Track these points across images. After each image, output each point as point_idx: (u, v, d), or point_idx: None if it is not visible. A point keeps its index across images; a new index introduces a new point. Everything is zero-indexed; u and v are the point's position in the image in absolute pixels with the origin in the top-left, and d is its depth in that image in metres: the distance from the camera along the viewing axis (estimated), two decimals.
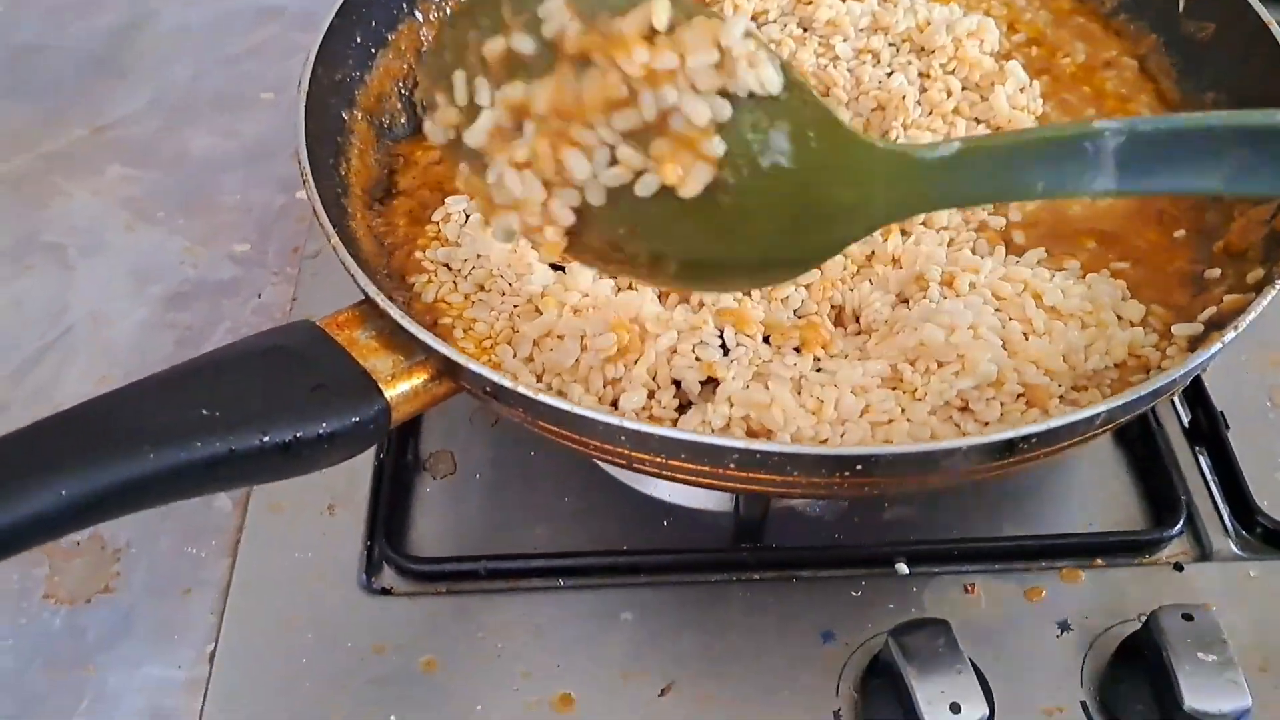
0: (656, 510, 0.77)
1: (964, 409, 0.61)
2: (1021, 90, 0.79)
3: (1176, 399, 0.83)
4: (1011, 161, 0.49)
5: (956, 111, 0.78)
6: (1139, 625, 0.68)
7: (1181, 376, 0.58)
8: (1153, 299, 0.68)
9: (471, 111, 0.47)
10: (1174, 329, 0.64)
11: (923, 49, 0.81)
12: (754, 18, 0.86)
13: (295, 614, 0.72)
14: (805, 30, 0.85)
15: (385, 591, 0.74)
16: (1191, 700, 0.61)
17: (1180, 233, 0.73)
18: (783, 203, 0.48)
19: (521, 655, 0.70)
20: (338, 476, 0.77)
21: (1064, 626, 0.70)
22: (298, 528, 0.76)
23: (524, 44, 0.45)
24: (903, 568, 0.73)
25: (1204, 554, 0.75)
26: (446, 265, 0.71)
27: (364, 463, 0.79)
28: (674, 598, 0.73)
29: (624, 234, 0.48)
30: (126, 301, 0.93)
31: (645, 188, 0.46)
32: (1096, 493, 0.79)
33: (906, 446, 0.56)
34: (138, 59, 1.17)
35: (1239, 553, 0.75)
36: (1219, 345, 0.58)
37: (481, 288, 0.70)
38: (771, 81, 0.45)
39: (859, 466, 0.55)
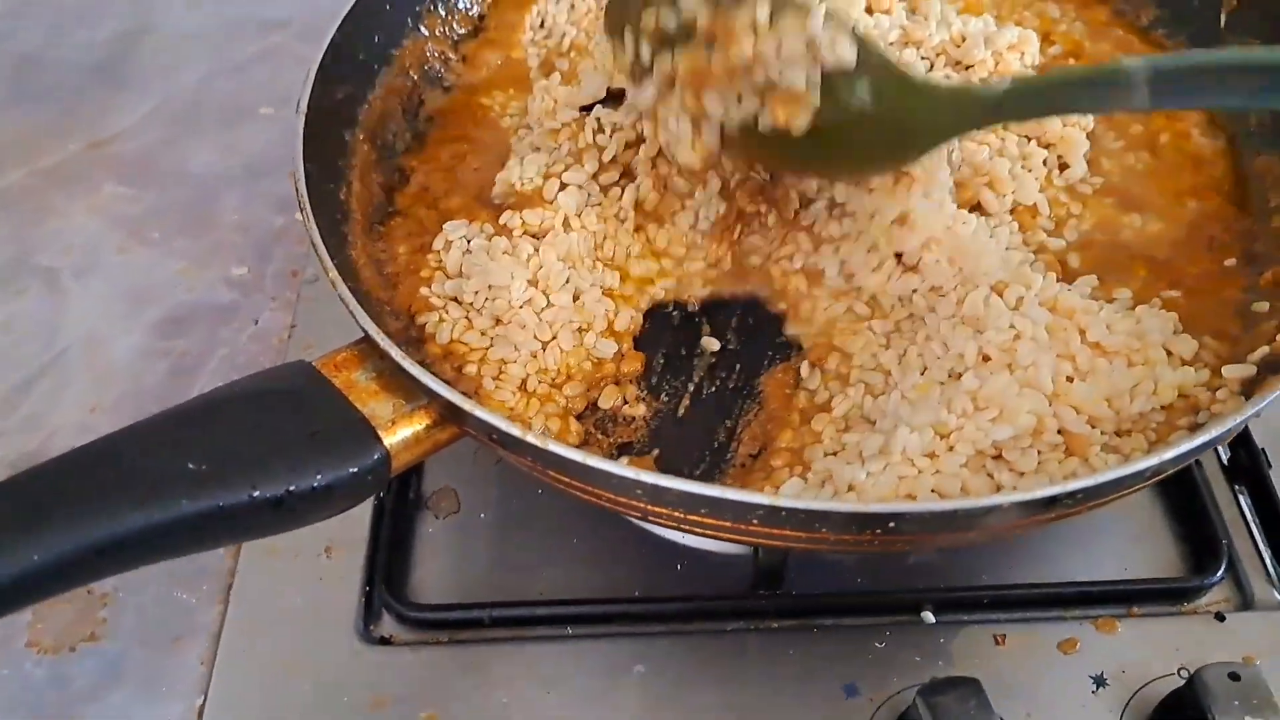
0: (670, 553, 0.74)
1: (997, 458, 0.58)
2: None
3: None
4: (1056, 91, 0.60)
5: (1005, 126, 0.74)
6: (1180, 680, 0.64)
7: (1236, 425, 0.54)
8: (1204, 331, 0.65)
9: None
10: (1225, 370, 0.61)
11: (959, 62, 0.78)
12: None
13: (289, 664, 0.68)
14: None
15: (385, 640, 0.70)
16: None
17: (1231, 261, 0.69)
18: (868, 129, 0.62)
19: (528, 710, 0.66)
20: (336, 518, 0.74)
21: (1099, 681, 0.67)
22: (293, 572, 0.73)
23: (668, 21, 0.62)
24: (929, 616, 0.70)
25: (1246, 602, 0.71)
26: (455, 299, 0.68)
27: (363, 504, 0.75)
28: (688, 648, 0.69)
29: (755, 149, 0.66)
30: (120, 326, 0.90)
31: (765, 125, 0.61)
32: (1131, 536, 0.75)
33: (944, 504, 0.52)
34: (139, 70, 1.14)
35: None
36: (1278, 392, 0.55)
37: (499, 321, 0.66)
38: (846, 57, 0.59)
39: (892, 525, 0.52)
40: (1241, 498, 0.76)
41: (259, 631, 0.70)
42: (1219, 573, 0.71)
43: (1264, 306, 0.66)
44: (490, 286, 0.66)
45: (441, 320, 0.66)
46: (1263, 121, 0.75)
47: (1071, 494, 0.51)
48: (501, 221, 0.69)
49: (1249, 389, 0.59)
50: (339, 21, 0.74)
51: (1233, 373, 0.60)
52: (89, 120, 1.07)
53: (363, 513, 0.75)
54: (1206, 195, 0.74)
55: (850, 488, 0.56)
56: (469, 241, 0.70)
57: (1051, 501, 0.51)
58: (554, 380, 0.66)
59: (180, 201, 0.99)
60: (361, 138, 0.75)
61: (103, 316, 0.90)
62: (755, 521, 0.52)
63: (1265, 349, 0.61)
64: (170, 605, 0.73)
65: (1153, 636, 0.69)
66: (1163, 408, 0.61)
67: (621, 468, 0.52)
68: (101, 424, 0.82)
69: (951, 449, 0.57)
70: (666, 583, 0.73)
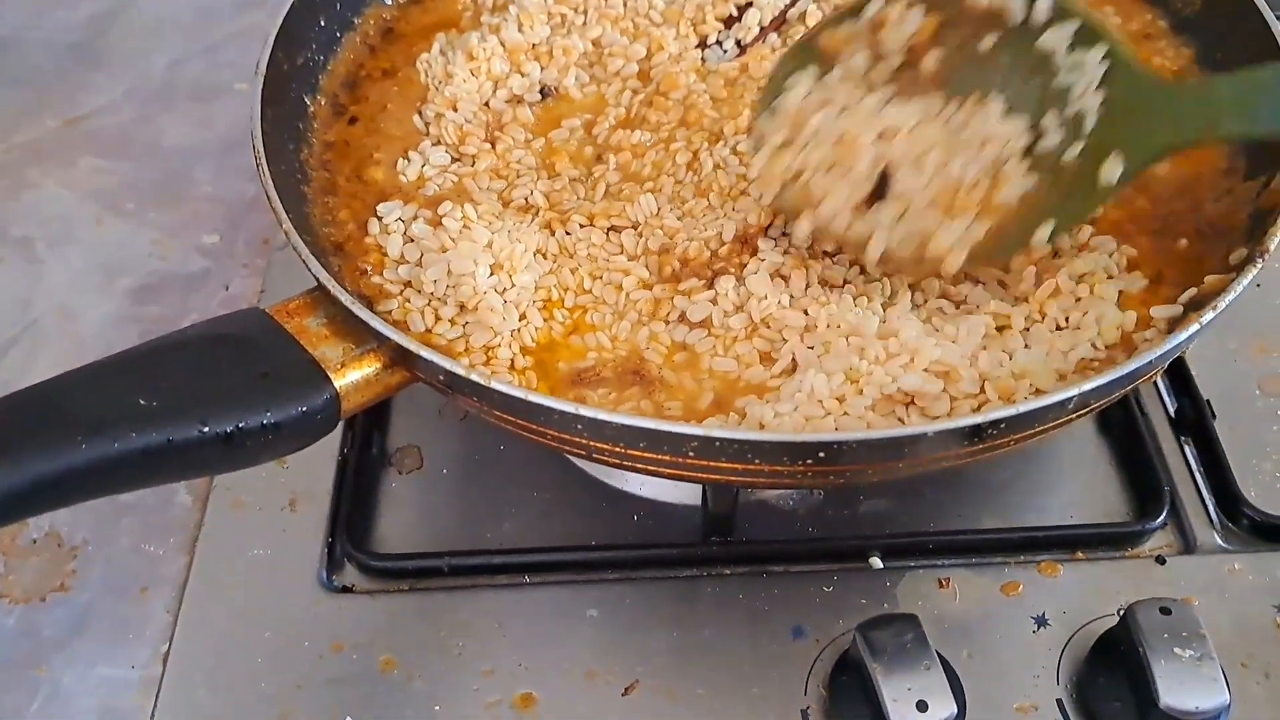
0: (627, 505, 0.75)
1: (909, 404, 0.59)
2: None
3: (1162, 387, 0.81)
4: None
5: None
6: (1116, 619, 0.66)
7: (1157, 359, 0.56)
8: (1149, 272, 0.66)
9: None
10: (1152, 311, 0.62)
11: None
12: None
13: (253, 612, 0.70)
14: None
15: (346, 589, 0.72)
16: (1167, 696, 0.59)
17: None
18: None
19: (484, 654, 0.68)
20: (300, 472, 0.77)
21: (1041, 622, 0.68)
22: (258, 524, 0.74)
23: None
24: (876, 562, 0.72)
25: (1188, 546, 0.73)
26: (412, 286, 0.66)
27: (327, 457, 0.77)
28: (642, 594, 0.71)
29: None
30: (94, 295, 0.91)
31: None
32: (1079, 483, 0.77)
33: (872, 432, 0.54)
34: (115, 48, 1.16)
35: (1224, 545, 0.73)
36: (1196, 326, 0.56)
37: (464, 307, 0.64)
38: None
39: (822, 454, 0.53)
40: (1187, 448, 0.78)
41: (224, 581, 0.72)
42: (1160, 518, 0.73)
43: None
44: (451, 273, 0.64)
45: (404, 308, 0.65)
46: None
47: (995, 423, 0.53)
48: (440, 213, 0.68)
49: (1175, 329, 0.60)
50: None
51: (1160, 313, 0.62)
52: (65, 98, 1.09)
53: (327, 468, 0.77)
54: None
55: (760, 425, 0.58)
56: (406, 225, 0.68)
57: (976, 431, 0.53)
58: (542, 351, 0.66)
59: (154, 175, 1.01)
60: (322, 102, 0.77)
61: (77, 286, 0.92)
62: (691, 454, 0.54)
63: (1193, 290, 0.62)
64: (138, 557, 0.74)
65: (1095, 580, 0.71)
66: (1106, 347, 0.63)
67: (561, 402, 0.54)
68: None
69: (860, 392, 0.58)
70: (622, 533, 0.74)
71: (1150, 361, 0.55)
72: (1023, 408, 0.53)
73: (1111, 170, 0.61)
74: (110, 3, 1.20)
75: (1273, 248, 0.60)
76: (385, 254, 0.67)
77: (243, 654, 0.68)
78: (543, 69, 0.80)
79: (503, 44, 0.79)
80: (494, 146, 0.75)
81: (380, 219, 0.69)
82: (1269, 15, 0.72)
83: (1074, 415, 0.56)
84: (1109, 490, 0.76)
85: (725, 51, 0.82)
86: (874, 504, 0.76)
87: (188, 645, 0.69)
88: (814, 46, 0.68)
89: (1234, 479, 0.74)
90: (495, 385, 0.55)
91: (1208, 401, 0.78)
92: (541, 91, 0.79)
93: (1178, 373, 0.80)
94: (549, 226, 0.70)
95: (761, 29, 0.83)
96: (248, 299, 0.90)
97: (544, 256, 0.69)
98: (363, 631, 0.69)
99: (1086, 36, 0.62)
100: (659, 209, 0.71)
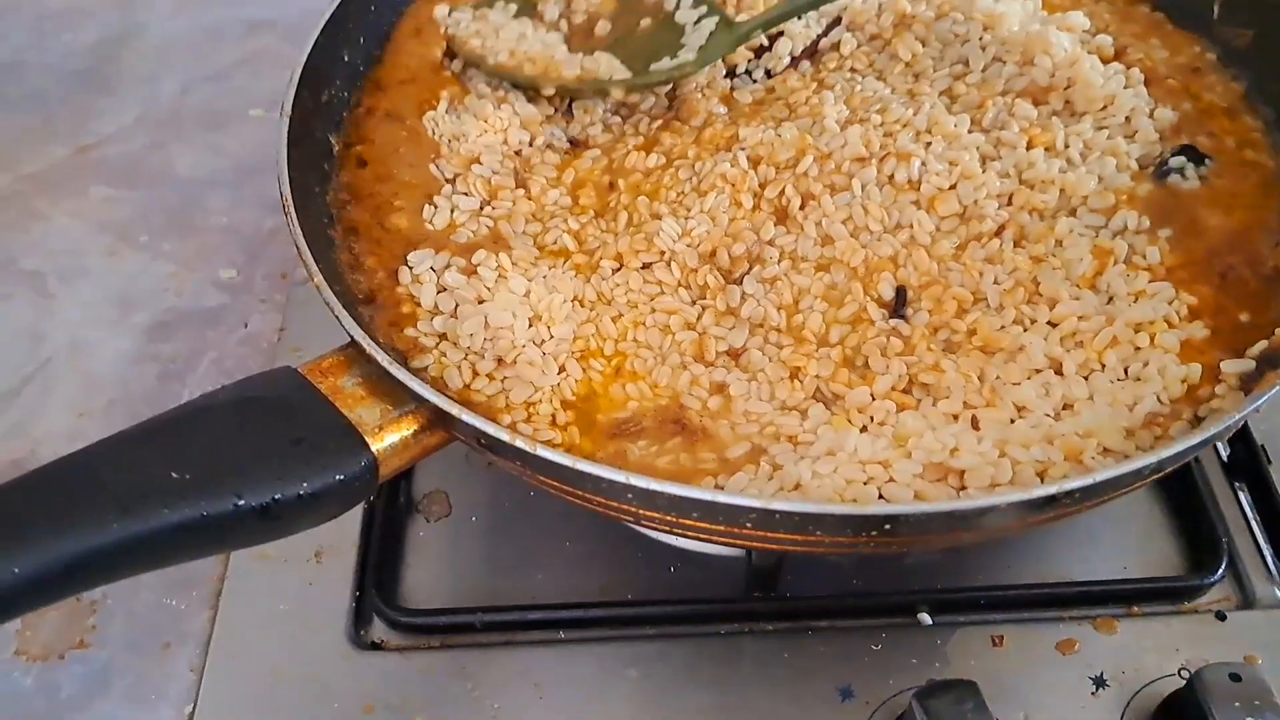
0: (664, 555, 0.73)
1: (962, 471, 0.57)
2: None
3: None
4: None
5: None
6: (1180, 681, 0.63)
7: (1234, 422, 0.53)
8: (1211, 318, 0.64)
9: None
10: (1223, 365, 0.60)
11: None
12: None
13: (279, 670, 0.68)
14: None
15: (375, 645, 0.70)
16: None
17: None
18: None
19: (519, 715, 0.66)
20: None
21: (1099, 682, 0.66)
22: (283, 577, 0.72)
23: None
24: (925, 618, 0.69)
25: (1247, 600, 0.71)
26: (447, 338, 0.63)
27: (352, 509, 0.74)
28: (682, 651, 0.69)
29: None
30: (108, 331, 0.89)
31: None
32: (1131, 534, 0.75)
33: (939, 505, 0.51)
34: (124, 73, 1.13)
35: None
36: (1278, 386, 0.54)
37: (501, 361, 0.62)
38: None
39: (887, 526, 0.51)
40: (1241, 495, 0.76)
41: (249, 637, 0.70)
42: (1219, 571, 0.70)
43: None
44: (488, 326, 0.62)
45: (440, 363, 0.62)
46: None
47: (1069, 493, 0.50)
48: (474, 262, 0.66)
49: (1248, 385, 0.58)
50: (323, 23, 0.73)
51: (1231, 368, 0.59)
52: (74, 125, 1.06)
53: (353, 517, 0.74)
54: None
55: (797, 485, 0.55)
56: (438, 274, 0.66)
57: (1050, 501, 0.51)
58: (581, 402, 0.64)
59: (168, 204, 0.98)
60: (342, 137, 0.74)
61: (90, 321, 0.90)
62: (749, 525, 0.52)
63: (1264, 343, 0.60)
64: (160, 611, 0.72)
65: (1153, 636, 0.68)
66: (1171, 401, 0.60)
67: (611, 471, 0.51)
68: (90, 430, 0.81)
69: (909, 456, 0.56)
70: (660, 585, 0.72)
71: (1229, 425, 0.53)
72: (1099, 476, 0.51)
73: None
74: (117, 26, 1.18)
75: None
76: (418, 304, 0.65)
77: (271, 715, 0.66)
78: (566, 128, 0.79)
79: (517, 115, 0.77)
80: (528, 191, 0.73)
81: (411, 268, 0.66)
82: None
83: (1149, 479, 0.54)
84: (1162, 540, 0.74)
85: (755, 81, 0.80)
86: (921, 556, 0.73)
87: (212, 705, 0.67)
88: None
89: None
90: (541, 452, 0.52)
91: (1262, 447, 0.76)
92: (571, 142, 0.78)
93: None
94: (583, 271, 0.68)
95: (793, 58, 0.81)
96: (267, 337, 0.87)
97: (581, 304, 0.66)
98: (394, 691, 0.67)
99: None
100: (683, 228, 0.69)
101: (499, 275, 0.64)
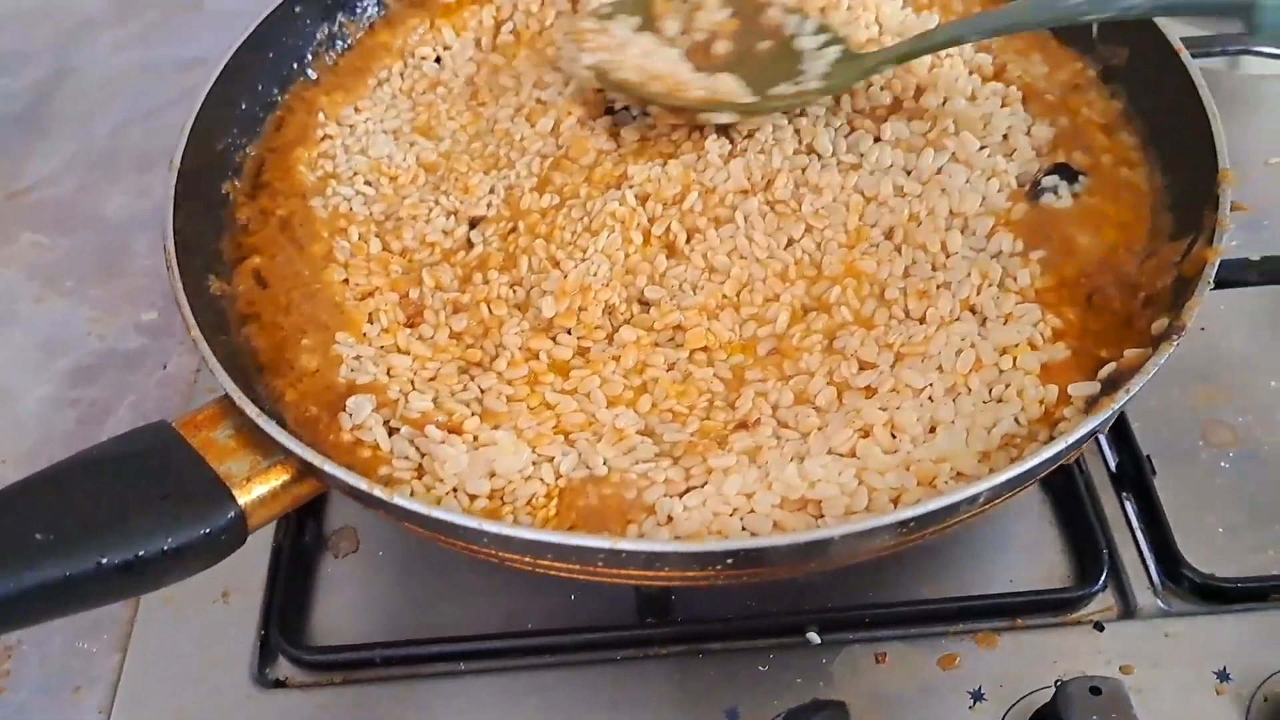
0: (564, 585, 0.74)
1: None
2: None
3: (1103, 441, 0.80)
4: None
5: None
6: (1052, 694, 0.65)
7: (1069, 447, 0.55)
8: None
9: None
10: (1070, 389, 0.62)
11: None
12: None
13: (185, 711, 0.70)
14: None
15: (280, 684, 0.71)
16: None
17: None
18: None
19: None
20: (233, 561, 0.74)
21: (977, 696, 0.68)
22: (190, 619, 0.74)
23: None
24: (814, 637, 0.71)
25: (1129, 610, 0.72)
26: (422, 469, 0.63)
27: (261, 545, 0.76)
28: (580, 679, 0.70)
29: None
30: (32, 376, 0.91)
31: None
32: (1021, 547, 0.76)
33: (777, 539, 0.53)
34: (59, 115, 1.15)
35: (1165, 608, 0.72)
36: (1109, 412, 0.56)
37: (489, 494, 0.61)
38: None
39: (730, 560, 0.53)
40: (1128, 505, 0.77)
41: (156, 679, 0.72)
42: (1099, 582, 0.72)
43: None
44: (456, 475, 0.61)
45: (432, 492, 0.61)
46: None
47: (904, 522, 0.52)
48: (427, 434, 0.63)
49: (1092, 408, 0.59)
50: (215, 73, 0.75)
51: (1079, 391, 0.61)
52: (8, 170, 1.08)
53: (261, 556, 0.76)
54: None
55: (669, 518, 0.57)
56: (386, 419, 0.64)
57: (884, 530, 0.53)
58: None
59: (95, 248, 1.00)
60: (238, 185, 0.76)
61: (16, 366, 0.92)
62: (600, 563, 0.53)
63: (1112, 366, 0.62)
64: (73, 655, 0.74)
65: (1033, 649, 0.70)
66: (1029, 422, 0.62)
67: (465, 518, 0.54)
68: (11, 476, 0.82)
69: (769, 488, 0.58)
70: (560, 615, 0.73)
71: (1061, 450, 0.55)
72: (928, 506, 0.53)
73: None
74: (53, 67, 1.20)
75: (1189, 323, 0.59)
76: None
77: None
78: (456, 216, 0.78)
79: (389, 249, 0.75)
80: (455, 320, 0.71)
81: (350, 414, 0.64)
82: (1190, 65, 0.72)
83: (987, 506, 0.56)
84: (1052, 553, 0.76)
85: (635, 118, 0.81)
86: (812, 576, 0.74)
87: None
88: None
89: (1174, 539, 0.73)
90: (398, 501, 0.54)
91: (1148, 457, 0.77)
92: (471, 224, 0.77)
93: (1117, 426, 0.79)
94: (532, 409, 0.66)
95: None
96: (185, 378, 0.89)
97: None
98: None
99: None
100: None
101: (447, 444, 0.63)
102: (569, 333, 0.69)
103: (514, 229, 0.75)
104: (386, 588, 0.77)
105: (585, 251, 0.72)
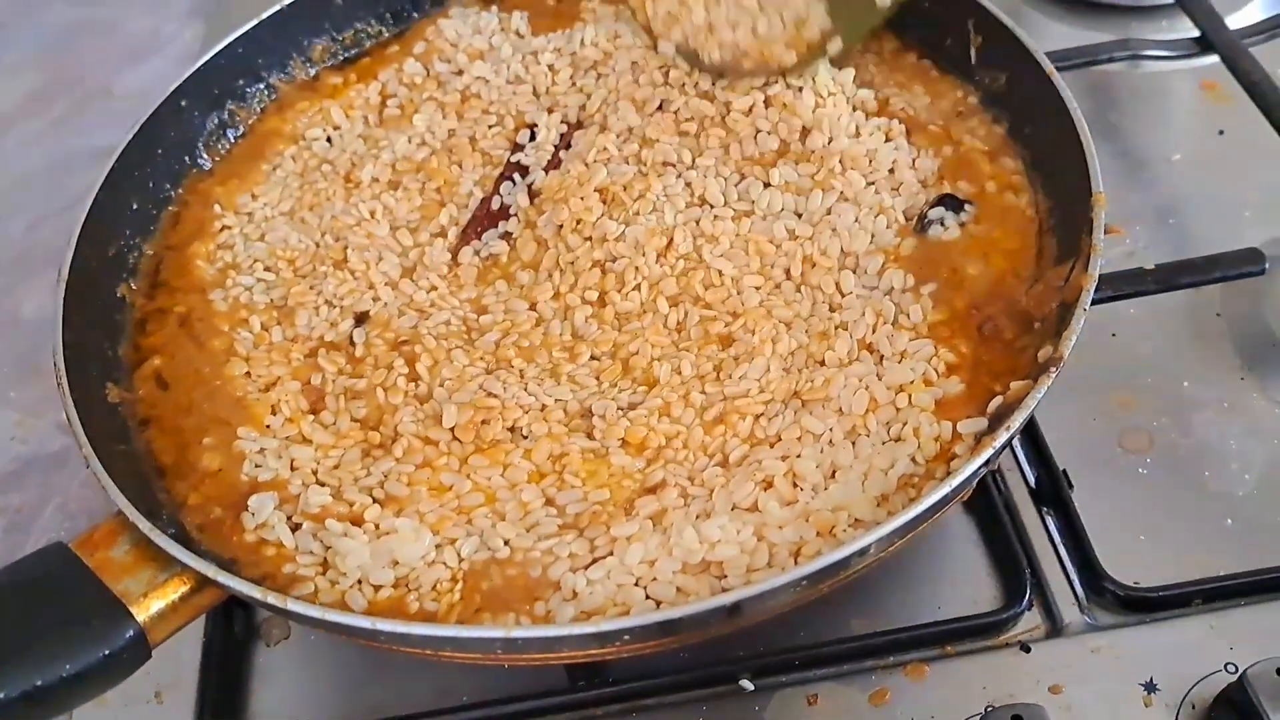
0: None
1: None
2: None
3: (1021, 458, 0.80)
4: None
5: None
6: None
7: (953, 491, 0.56)
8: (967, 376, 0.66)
9: None
10: (959, 426, 0.62)
11: None
12: None
13: None
14: None
15: None
16: None
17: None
18: None
19: None
20: (164, 659, 0.74)
21: None
22: None
23: None
24: (747, 684, 0.71)
25: (1055, 629, 0.72)
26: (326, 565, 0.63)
27: (192, 640, 0.76)
28: None
29: None
30: None
31: None
32: (948, 571, 0.77)
33: (664, 613, 0.53)
34: None
35: (1091, 622, 0.72)
36: (990, 452, 0.56)
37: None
38: None
39: (627, 637, 0.53)
40: (1049, 519, 0.77)
41: None
42: (1023, 601, 0.72)
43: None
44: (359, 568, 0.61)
45: (336, 587, 0.61)
46: None
47: (795, 582, 0.53)
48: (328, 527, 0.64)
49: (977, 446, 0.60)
50: (99, 181, 0.75)
51: (967, 428, 0.62)
52: None
53: (192, 651, 0.76)
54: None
55: (574, 593, 0.57)
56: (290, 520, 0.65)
57: (778, 591, 0.53)
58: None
59: (14, 351, 1.00)
60: (135, 288, 0.76)
61: None
62: (499, 651, 0.54)
63: (999, 400, 0.62)
64: None
65: (961, 676, 0.70)
66: (926, 461, 0.63)
67: (358, 619, 0.54)
68: None
69: (670, 554, 0.58)
70: (493, 686, 0.73)
71: (947, 495, 0.55)
72: (816, 564, 0.53)
73: None
74: None
75: (1067, 353, 0.60)
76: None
77: None
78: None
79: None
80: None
81: (253, 513, 0.65)
82: (1062, 87, 0.73)
83: (882, 554, 0.56)
84: (979, 576, 0.76)
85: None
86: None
87: None
88: None
89: (1093, 551, 0.74)
90: (291, 606, 0.54)
91: (1064, 471, 0.78)
92: (357, 320, 0.76)
93: (1033, 441, 0.80)
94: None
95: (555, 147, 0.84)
96: None
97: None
98: None
99: None
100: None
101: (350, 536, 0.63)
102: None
103: (403, 341, 0.74)
104: (321, 673, 0.77)
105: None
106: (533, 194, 0.80)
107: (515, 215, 0.80)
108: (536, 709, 0.72)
